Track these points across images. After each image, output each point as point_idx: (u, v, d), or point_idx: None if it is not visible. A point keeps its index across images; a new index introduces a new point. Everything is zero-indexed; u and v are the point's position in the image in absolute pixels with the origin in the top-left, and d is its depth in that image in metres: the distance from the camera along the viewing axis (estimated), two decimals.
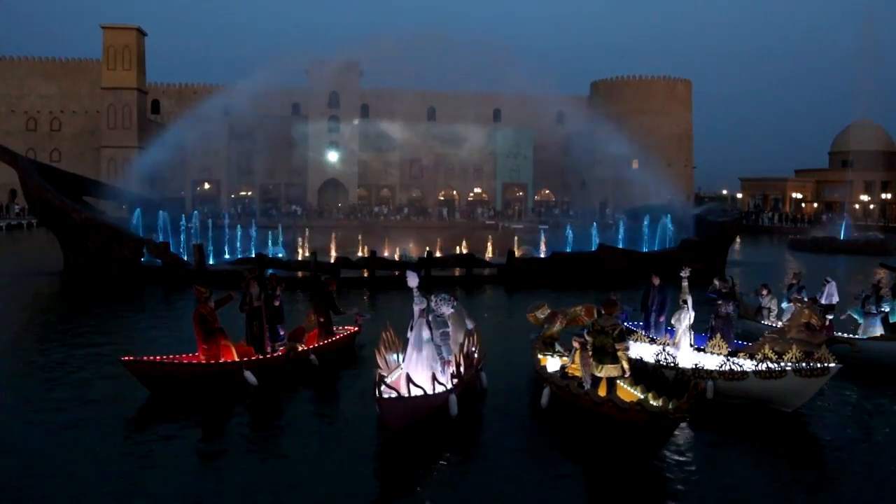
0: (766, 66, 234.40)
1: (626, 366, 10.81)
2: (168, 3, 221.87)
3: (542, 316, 14.15)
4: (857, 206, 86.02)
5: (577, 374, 11.65)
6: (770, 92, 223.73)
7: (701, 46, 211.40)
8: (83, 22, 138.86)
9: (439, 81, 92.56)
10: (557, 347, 13.66)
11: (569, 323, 13.85)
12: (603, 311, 11.31)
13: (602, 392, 10.60)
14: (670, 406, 9.36)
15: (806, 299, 16.80)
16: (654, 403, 9.78)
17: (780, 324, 17.38)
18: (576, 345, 11.89)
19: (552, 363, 12.99)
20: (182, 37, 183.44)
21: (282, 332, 14.58)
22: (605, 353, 10.77)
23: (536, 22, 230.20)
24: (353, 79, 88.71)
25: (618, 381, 10.97)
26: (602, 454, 9.85)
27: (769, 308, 17.86)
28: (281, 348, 13.97)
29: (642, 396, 10.40)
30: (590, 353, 11.07)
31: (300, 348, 14.29)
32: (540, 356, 13.28)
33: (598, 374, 10.84)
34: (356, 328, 16.32)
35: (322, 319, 15.33)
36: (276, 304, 14.35)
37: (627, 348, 10.99)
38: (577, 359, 11.81)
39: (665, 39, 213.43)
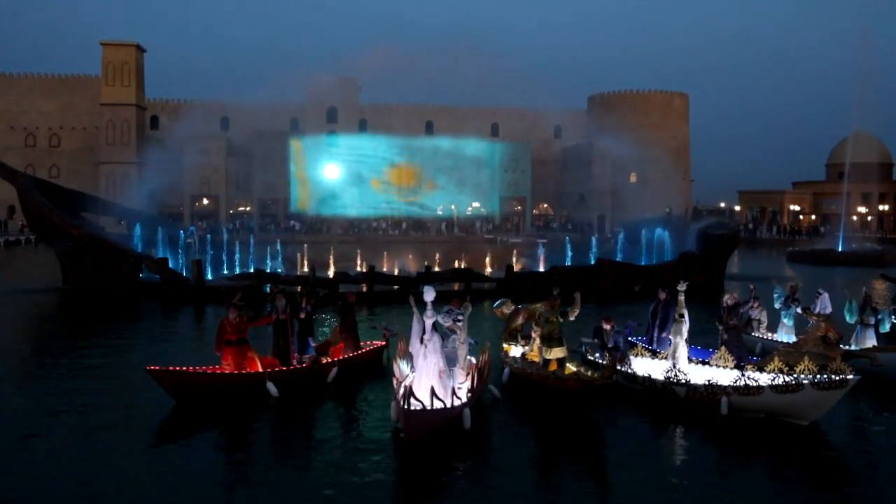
0: (762, 79, 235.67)
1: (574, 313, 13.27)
2: (167, 20, 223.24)
3: (507, 311, 15.95)
4: (854, 217, 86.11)
5: (536, 359, 13.68)
6: (767, 104, 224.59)
7: (697, 60, 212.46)
8: (82, 38, 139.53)
9: (437, 95, 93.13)
10: (519, 339, 15.54)
11: (529, 318, 15.21)
12: (547, 306, 13.35)
13: (552, 369, 12.82)
14: (596, 375, 12.02)
15: (799, 311, 16.86)
16: (588, 374, 12.41)
17: (769, 335, 17.45)
18: (534, 335, 13.97)
19: (515, 350, 15.10)
20: (181, 53, 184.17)
21: (312, 344, 14.65)
22: (553, 339, 13.03)
23: (532, 36, 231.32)
24: (351, 93, 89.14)
25: (567, 364, 13.11)
26: (552, 417, 11.86)
27: (759, 320, 17.88)
28: (306, 360, 14.11)
29: (575, 369, 12.96)
30: (538, 341, 13.39)
31: (324, 360, 14.44)
32: (505, 345, 15.33)
33: (548, 357, 13.04)
34: (384, 343, 16.36)
35: (347, 337, 15.41)
36: (302, 316, 14.44)
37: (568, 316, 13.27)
38: (535, 347, 13.91)
39: (661, 53, 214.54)
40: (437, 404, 10.72)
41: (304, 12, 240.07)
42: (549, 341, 13.06)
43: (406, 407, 10.19)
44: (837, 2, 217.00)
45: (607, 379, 11.74)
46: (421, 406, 10.37)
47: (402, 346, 11.95)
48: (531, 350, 14.19)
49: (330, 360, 14.61)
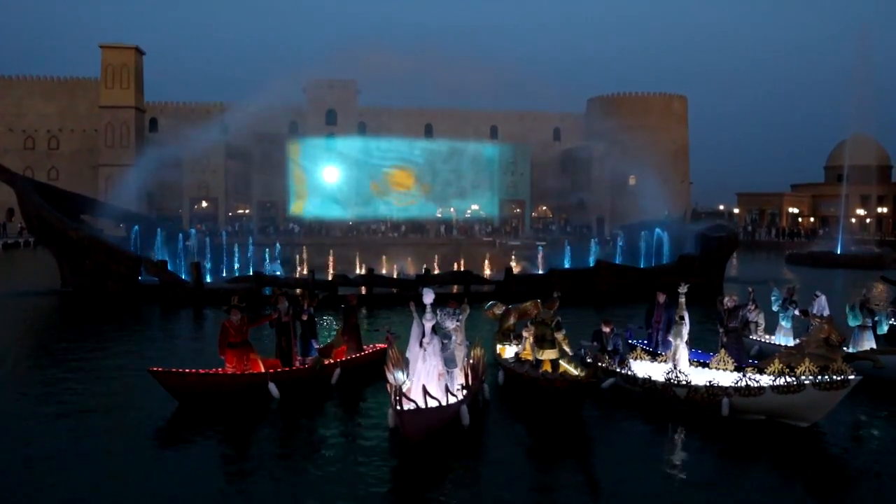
0: (761, 81, 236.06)
1: (566, 349, 13.54)
2: (166, 22, 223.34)
3: (498, 312, 16.13)
4: (853, 220, 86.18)
5: (529, 357, 13.90)
6: (766, 107, 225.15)
7: (696, 62, 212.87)
8: (82, 41, 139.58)
9: (436, 98, 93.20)
10: (512, 338, 15.71)
11: (520, 317, 15.65)
12: (544, 307, 13.78)
13: (545, 369, 13.12)
14: (582, 374, 12.50)
15: (797, 313, 16.86)
16: (575, 373, 13.08)
17: (767, 338, 17.44)
18: (526, 334, 14.27)
19: (509, 351, 15.33)
20: (180, 55, 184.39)
21: (315, 346, 14.72)
22: (545, 340, 13.33)
23: (532, 39, 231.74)
24: (350, 96, 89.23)
25: (560, 362, 13.44)
26: (549, 418, 12.02)
27: (756, 322, 17.86)
28: (308, 361, 14.20)
29: (570, 369, 13.44)
30: (529, 340, 13.79)
31: (327, 362, 14.51)
32: (499, 346, 15.53)
33: (540, 358, 13.35)
34: (386, 345, 16.34)
35: (350, 339, 15.45)
36: (304, 318, 14.54)
37: (565, 335, 13.53)
38: (527, 346, 14.17)
39: (660, 55, 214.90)
40: (432, 403, 10.72)
41: (302, 15, 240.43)
42: (541, 342, 13.42)
43: (400, 408, 10.19)
44: (836, 5, 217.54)
45: (592, 377, 12.13)
46: (415, 405, 10.38)
47: (394, 354, 11.96)
48: (524, 349, 14.45)
49: (332, 362, 14.67)
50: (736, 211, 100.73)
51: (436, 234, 78.89)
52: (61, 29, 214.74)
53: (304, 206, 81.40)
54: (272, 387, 12.86)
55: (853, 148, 71.74)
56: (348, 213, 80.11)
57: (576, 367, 13.65)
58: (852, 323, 16.22)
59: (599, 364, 13.72)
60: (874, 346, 15.81)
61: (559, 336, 13.38)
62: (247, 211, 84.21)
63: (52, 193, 33.08)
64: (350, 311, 15.76)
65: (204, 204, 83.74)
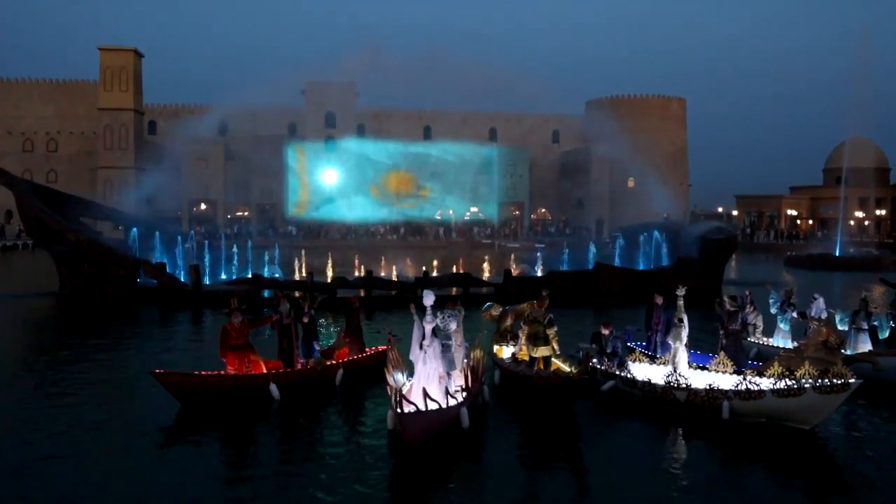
0: (760, 84, 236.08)
1: (556, 346, 13.78)
2: (165, 25, 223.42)
3: (495, 313, 16.37)
4: (851, 222, 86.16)
5: (526, 357, 14.21)
6: (764, 109, 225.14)
7: (695, 64, 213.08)
8: (81, 44, 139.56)
9: (435, 100, 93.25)
10: (509, 339, 15.95)
11: (517, 317, 15.76)
12: (536, 305, 14.18)
13: (539, 367, 13.51)
14: (574, 372, 12.68)
15: (795, 315, 16.86)
16: (568, 370, 13.30)
17: (765, 340, 17.45)
18: (520, 334, 14.59)
19: (506, 351, 15.61)
20: (179, 58, 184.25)
21: (317, 348, 14.79)
22: (538, 338, 13.67)
23: (530, 41, 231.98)
24: (349, 99, 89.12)
25: (552, 360, 13.82)
26: (539, 414, 12.29)
27: (755, 324, 17.86)
28: (311, 363, 14.27)
29: (563, 366, 13.72)
30: (524, 339, 14.14)
31: (329, 363, 14.58)
32: (496, 347, 15.81)
33: (535, 356, 13.70)
34: (388, 347, 16.39)
35: (353, 341, 15.49)
36: (305, 320, 14.62)
37: (556, 331, 13.82)
38: (523, 346, 14.43)
39: (659, 57, 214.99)
40: (432, 406, 10.73)
41: (301, 18, 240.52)
42: (535, 340, 13.72)
43: (400, 410, 10.21)
44: (835, 7, 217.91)
45: (584, 374, 12.45)
46: (415, 408, 10.39)
47: (394, 356, 11.99)
48: (520, 349, 14.70)
49: (335, 363, 14.72)
50: (735, 213, 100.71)
51: (435, 236, 78.81)
52: (60, 31, 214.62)
53: (303, 209, 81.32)
54: (273, 388, 12.94)
55: (852, 150, 71.81)
56: (347, 215, 79.98)
57: (569, 365, 13.82)
58: (841, 327, 16.23)
59: (599, 367, 13.72)
60: (871, 349, 15.81)
61: (551, 332, 13.62)
62: (246, 213, 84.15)
63: (51, 196, 33.03)
64: (352, 313, 15.83)
65: (203, 206, 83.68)
